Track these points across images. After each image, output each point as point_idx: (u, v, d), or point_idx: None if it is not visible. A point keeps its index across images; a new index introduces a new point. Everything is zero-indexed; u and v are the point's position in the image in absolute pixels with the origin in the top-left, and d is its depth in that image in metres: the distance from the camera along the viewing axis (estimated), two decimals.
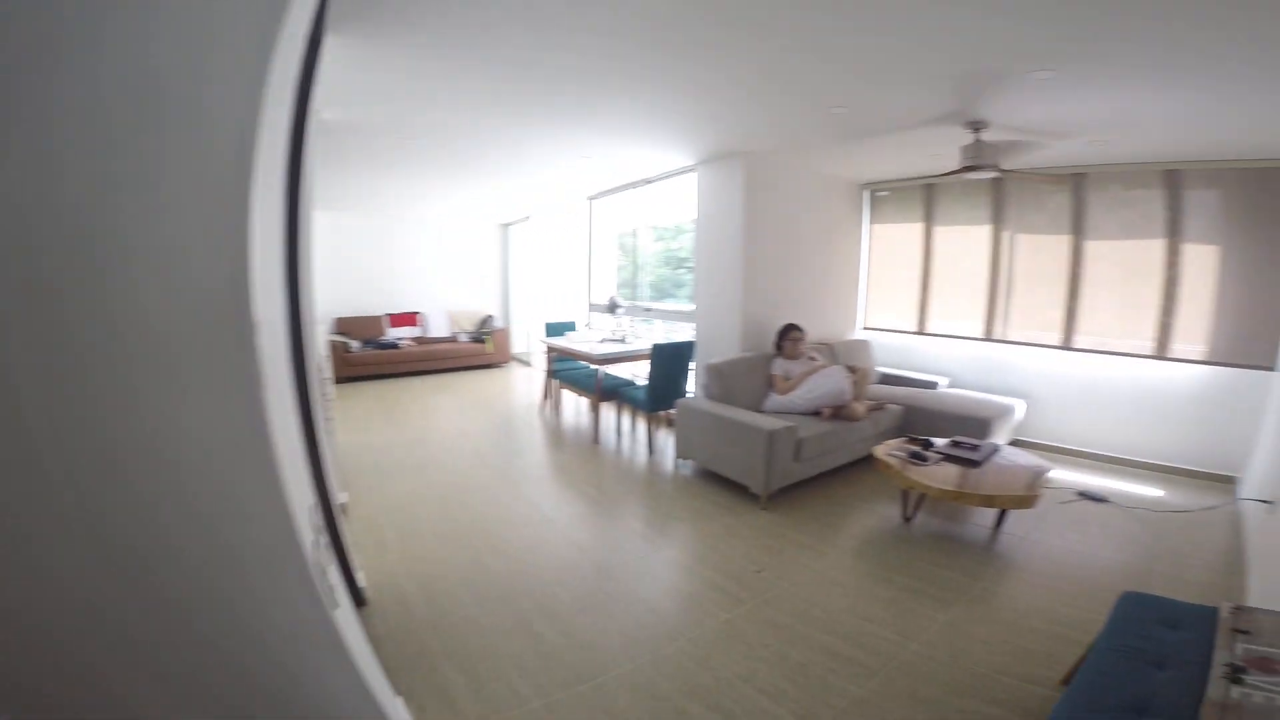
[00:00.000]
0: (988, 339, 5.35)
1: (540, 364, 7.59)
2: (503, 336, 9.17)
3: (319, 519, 1.23)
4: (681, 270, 10.39)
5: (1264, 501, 3.14)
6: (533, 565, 3.06)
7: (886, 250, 6.01)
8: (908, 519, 3.65)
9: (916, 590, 2.84)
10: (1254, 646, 1.53)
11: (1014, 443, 4.93)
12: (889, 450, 3.76)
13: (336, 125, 3.89)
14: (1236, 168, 4.13)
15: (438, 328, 9.11)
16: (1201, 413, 4.46)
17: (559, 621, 2.56)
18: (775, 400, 4.43)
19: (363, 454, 4.78)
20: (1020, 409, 4.98)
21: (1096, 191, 4.70)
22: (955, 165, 3.86)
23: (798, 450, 3.81)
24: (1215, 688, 1.38)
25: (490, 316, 9.36)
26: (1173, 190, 4.39)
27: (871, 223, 6.07)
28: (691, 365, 5.08)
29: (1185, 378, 4.51)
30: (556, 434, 5.53)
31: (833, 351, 5.16)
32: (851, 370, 4.48)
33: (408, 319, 8.92)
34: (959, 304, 5.51)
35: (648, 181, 5.88)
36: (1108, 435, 4.85)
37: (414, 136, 4.35)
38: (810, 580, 2.93)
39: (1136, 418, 4.72)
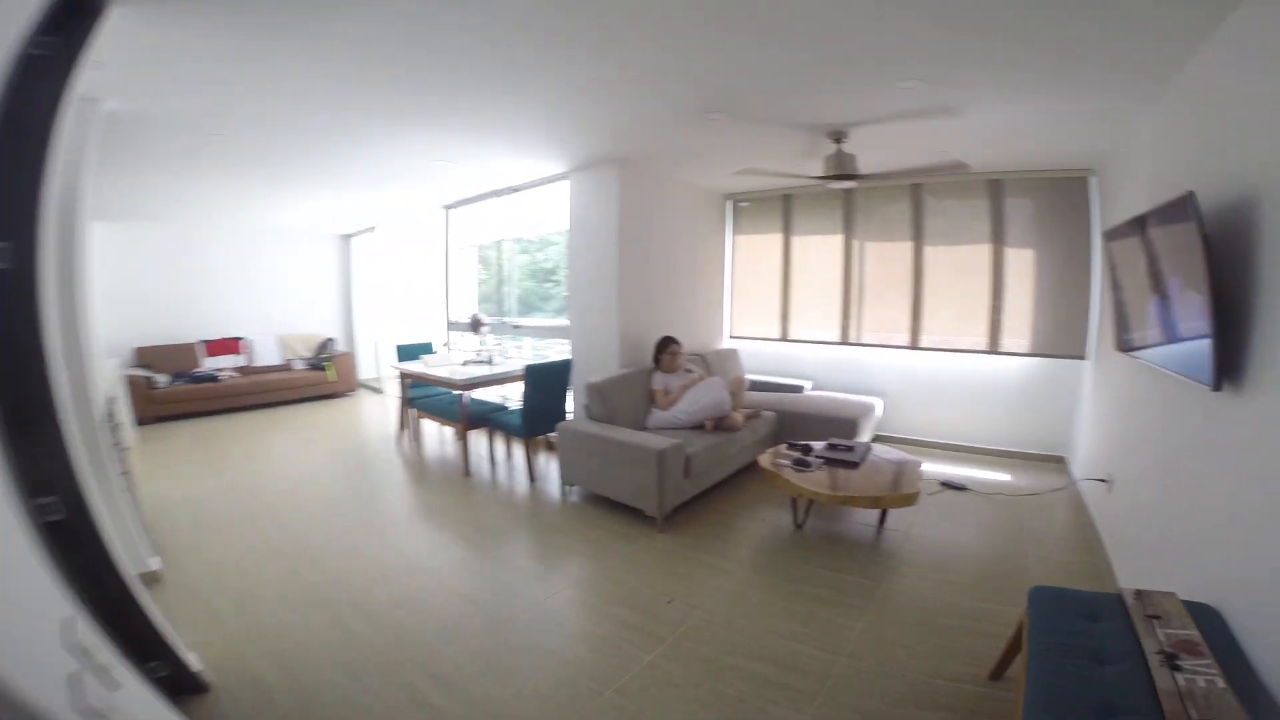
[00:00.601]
0: (845, 342, 5.65)
1: (395, 391, 6.87)
2: (347, 362, 8.25)
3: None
4: (549, 284, 10.10)
5: (1102, 481, 3.51)
6: (413, 626, 2.62)
7: (749, 260, 6.17)
8: (799, 525, 3.67)
9: (826, 600, 2.82)
10: (1171, 631, 1.59)
11: (876, 439, 5.24)
12: (773, 459, 3.76)
13: (126, 118, 3.18)
14: (1045, 178, 4.70)
15: (266, 355, 8.00)
16: (1029, 401, 5.01)
17: (458, 690, 2.19)
18: (658, 416, 4.30)
19: (179, 509, 3.94)
20: (879, 407, 5.29)
21: (933, 200, 5.15)
22: (817, 174, 3.99)
23: (687, 467, 3.69)
24: (1160, 677, 1.42)
25: (331, 340, 8.40)
26: (995, 199, 4.90)
27: (734, 233, 6.21)
28: (570, 385, 4.80)
29: (1014, 370, 5.05)
30: (420, 469, 4.98)
31: (705, 362, 5.16)
32: (729, 380, 4.48)
33: (228, 346, 7.74)
34: (817, 310, 5.78)
35: (514, 190, 5.54)
36: (955, 426, 5.31)
37: (229, 132, 3.68)
38: (724, 603, 2.80)
39: (977, 409, 5.21)
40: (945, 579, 3.01)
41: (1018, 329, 4.94)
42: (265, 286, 8.36)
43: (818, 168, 3.96)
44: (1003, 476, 4.63)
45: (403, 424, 5.65)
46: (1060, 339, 4.77)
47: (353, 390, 8.33)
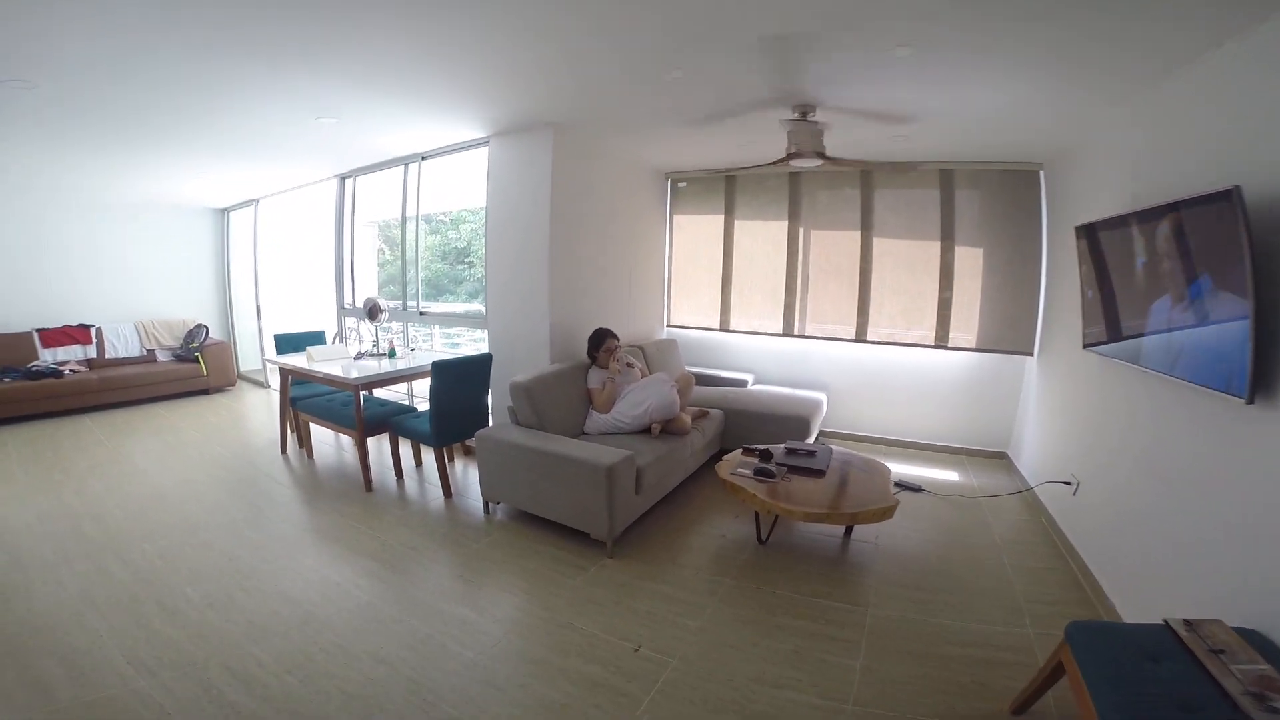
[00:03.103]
0: (788, 334, 5.33)
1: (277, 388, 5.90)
2: (223, 352, 7.13)
3: None
4: (461, 266, 9.23)
5: (1066, 483, 3.34)
6: (310, 700, 2.00)
7: (688, 243, 5.72)
8: (763, 540, 3.29)
9: (813, 634, 2.47)
10: (1243, 666, 1.49)
11: (820, 435, 4.97)
12: (733, 469, 3.34)
13: None
14: (994, 170, 4.52)
15: (122, 345, 6.78)
16: (972, 396, 4.91)
17: None
18: (597, 420, 3.78)
19: None
20: (825, 402, 5.02)
21: (882, 189, 4.88)
22: (766, 154, 3.60)
23: (639, 481, 3.20)
24: None
25: (202, 327, 7.23)
26: (946, 189, 4.69)
27: (673, 213, 5.73)
28: (489, 384, 4.16)
29: (958, 365, 4.92)
30: (311, 483, 4.18)
31: (644, 355, 4.68)
32: (677, 378, 4.02)
33: (72, 335, 6.47)
34: (759, 300, 5.42)
35: (422, 157, 4.78)
36: (898, 422, 5.14)
37: (47, 83, 2.81)
38: (700, 647, 2.37)
39: (921, 404, 5.06)
40: (931, 598, 2.75)
41: (965, 323, 4.78)
42: (122, 267, 7.09)
43: (775, 146, 3.55)
44: (951, 475, 4.50)
45: (289, 427, 4.79)
46: (1007, 335, 4.65)
47: (232, 384, 7.24)
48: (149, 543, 3.19)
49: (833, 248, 5.09)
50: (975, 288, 4.74)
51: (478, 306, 8.33)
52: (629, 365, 4.11)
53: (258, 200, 7.10)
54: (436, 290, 9.07)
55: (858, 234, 4.96)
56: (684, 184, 5.66)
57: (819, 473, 3.34)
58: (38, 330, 6.25)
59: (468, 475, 4.30)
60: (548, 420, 3.52)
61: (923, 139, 3.95)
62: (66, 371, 6.04)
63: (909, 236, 4.86)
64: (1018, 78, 2.73)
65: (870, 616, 2.60)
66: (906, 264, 4.88)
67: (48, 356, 6.20)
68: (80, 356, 6.44)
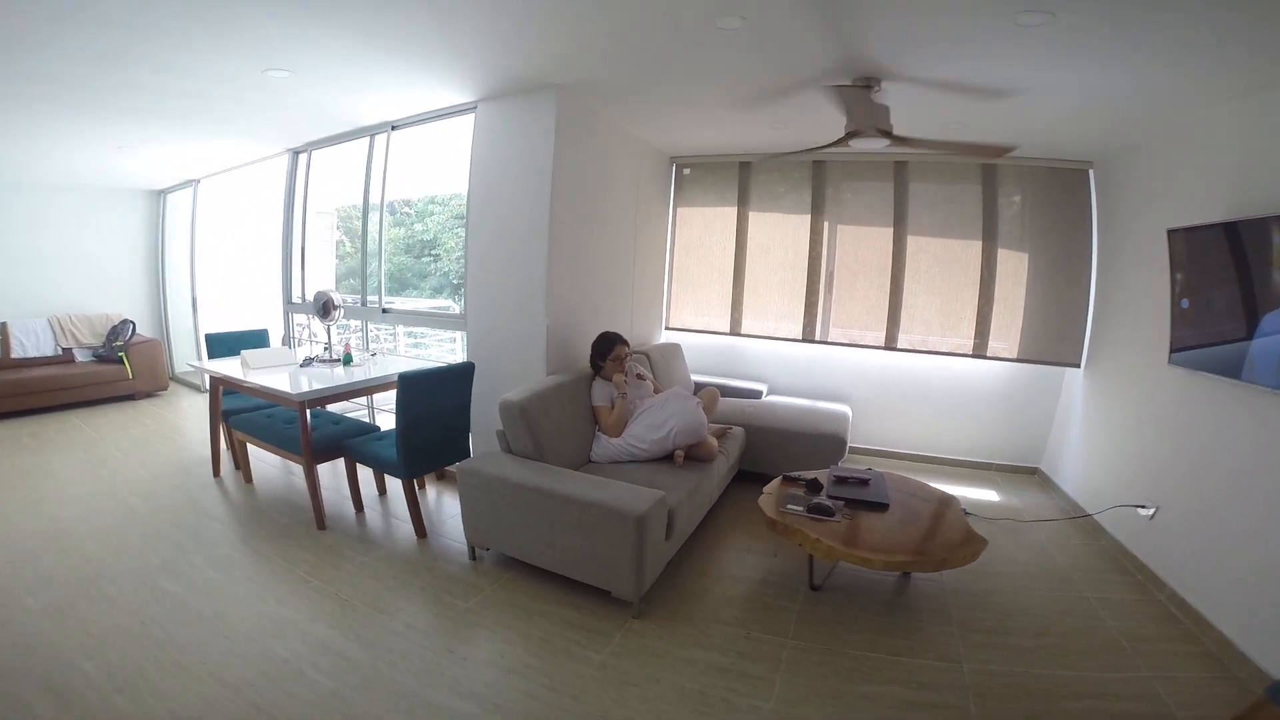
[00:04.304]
0: (808, 340, 4.76)
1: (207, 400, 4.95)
2: (152, 351, 6.21)
3: None
4: (426, 258, 8.44)
5: (1140, 508, 2.95)
6: None
7: (694, 237, 5.09)
8: (816, 587, 2.71)
9: (909, 701, 2.04)
10: None
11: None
12: (780, 505, 2.74)
13: None
14: (1041, 168, 4.08)
15: (32, 343, 5.82)
16: (1006, 409, 4.50)
17: None
18: (607, 446, 3.12)
19: None
20: (849, 415, 4.47)
21: (917, 182, 4.36)
22: (802, 137, 3.07)
23: (670, 525, 2.57)
24: None
25: (128, 322, 6.29)
26: (989, 185, 4.22)
27: (676, 204, 5.11)
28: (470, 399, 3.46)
29: (992, 375, 4.49)
30: (250, 516, 3.40)
31: (650, 363, 4.04)
32: (702, 394, 3.41)
33: None
34: (776, 301, 4.82)
35: (392, 126, 4.04)
36: (925, 436, 4.67)
37: None
38: None
39: (951, 417, 4.62)
40: (1023, 644, 2.39)
41: (1005, 331, 4.30)
42: (34, 255, 6.10)
43: (813, 128, 3.01)
44: (989, 494, 4.07)
45: (219, 447, 3.98)
46: (1052, 345, 4.19)
47: (163, 389, 6.32)
48: (34, 597, 2.44)
49: (861, 245, 4.54)
50: (1018, 293, 4.26)
51: (445, 302, 7.58)
52: (639, 377, 3.47)
53: (198, 181, 6.21)
54: (399, 285, 8.28)
55: (890, 230, 4.42)
56: (689, 170, 5.04)
57: (881, 506, 2.79)
58: None
59: (442, 505, 3.61)
60: (547, 447, 2.85)
61: (979, 124, 3.43)
62: None
63: (946, 235, 4.35)
64: (1136, 59, 2.30)
65: (967, 673, 2.18)
66: (943, 265, 4.37)
67: None
68: None
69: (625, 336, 3.46)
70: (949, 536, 2.54)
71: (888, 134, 2.84)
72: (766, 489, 2.95)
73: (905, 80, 2.73)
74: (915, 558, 2.41)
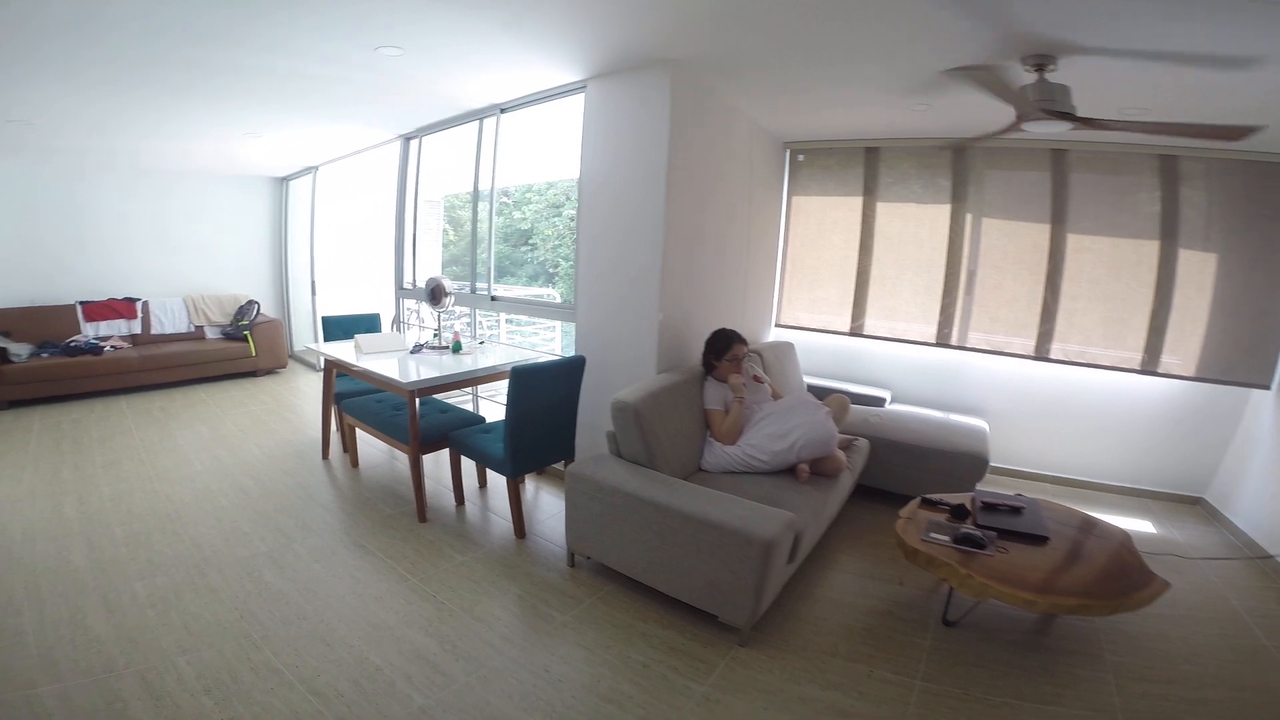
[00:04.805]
0: (943, 344, 4.27)
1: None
2: (274, 331, 6.53)
3: None
4: (524, 248, 8.46)
5: None
6: None
7: (810, 229, 4.70)
8: (950, 622, 2.34)
9: None
10: None
11: None
12: (920, 531, 2.39)
13: None
14: (1232, 159, 3.41)
15: (169, 320, 6.27)
16: (1171, 431, 3.88)
17: None
18: (720, 454, 2.86)
19: None
20: (986, 431, 3.96)
21: (1080, 172, 3.77)
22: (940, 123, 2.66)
23: (794, 548, 2.28)
24: None
25: (253, 303, 6.65)
26: (1167, 178, 3.59)
27: (790, 193, 4.74)
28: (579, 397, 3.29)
29: (1158, 393, 3.85)
30: (356, 504, 3.40)
31: (763, 363, 3.73)
32: (829, 401, 3.07)
33: (117, 309, 5.98)
34: (906, 298, 4.35)
35: (501, 109, 3.93)
36: (1068, 456, 4.09)
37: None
38: None
39: (1100, 436, 4.02)
40: (1196, 697, 2.05)
41: (1181, 345, 3.67)
42: (175, 239, 6.61)
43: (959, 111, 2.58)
44: (1144, 524, 3.51)
45: (329, 430, 4.04)
46: (1239, 362, 3.54)
47: (282, 366, 6.65)
48: (143, 581, 2.48)
49: (1011, 241, 3.99)
50: (1201, 302, 3.61)
51: (542, 290, 7.57)
52: (756, 380, 3.17)
53: (316, 168, 6.46)
54: (499, 273, 8.42)
55: (1046, 226, 3.86)
56: (803, 156, 4.65)
57: (1040, 539, 2.38)
58: (81, 303, 5.77)
59: (540, 502, 3.48)
60: (659, 453, 2.63)
61: (1158, 111, 2.88)
62: (106, 348, 5.52)
63: (1115, 234, 3.75)
64: None
65: None
66: (1110, 267, 3.76)
67: (90, 330, 5.73)
68: (124, 331, 5.95)
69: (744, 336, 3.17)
70: (1126, 578, 2.12)
71: (1071, 116, 2.38)
72: (903, 512, 2.59)
73: (1095, 51, 2.27)
74: (1086, 601, 2.02)
